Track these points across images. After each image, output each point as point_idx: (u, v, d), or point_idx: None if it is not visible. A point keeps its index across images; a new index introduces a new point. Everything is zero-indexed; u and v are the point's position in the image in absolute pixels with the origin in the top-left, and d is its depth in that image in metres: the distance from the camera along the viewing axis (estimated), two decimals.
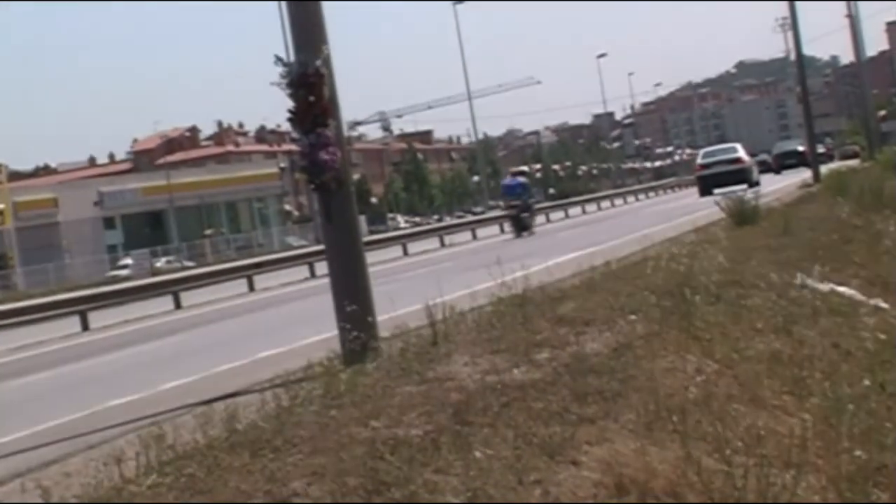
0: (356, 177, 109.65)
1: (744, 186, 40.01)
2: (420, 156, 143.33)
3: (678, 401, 7.19)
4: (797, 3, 48.72)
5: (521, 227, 41.68)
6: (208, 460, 6.57)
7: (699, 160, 51.90)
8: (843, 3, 64.02)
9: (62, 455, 9.13)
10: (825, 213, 20.96)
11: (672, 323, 9.40)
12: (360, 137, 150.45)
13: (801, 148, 63.35)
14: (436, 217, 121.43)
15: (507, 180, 45.18)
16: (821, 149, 70.13)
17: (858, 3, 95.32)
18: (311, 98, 10.76)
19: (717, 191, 40.72)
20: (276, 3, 52.87)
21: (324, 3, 11.31)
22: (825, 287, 12.19)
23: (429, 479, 5.85)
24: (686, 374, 7.98)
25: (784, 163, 68.73)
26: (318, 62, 10.83)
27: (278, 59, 10.86)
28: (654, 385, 7.38)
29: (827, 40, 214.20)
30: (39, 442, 10.47)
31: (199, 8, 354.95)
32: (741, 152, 50.12)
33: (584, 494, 5.92)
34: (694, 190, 52.51)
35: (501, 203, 54.24)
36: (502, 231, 49.58)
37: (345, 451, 6.32)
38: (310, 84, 10.75)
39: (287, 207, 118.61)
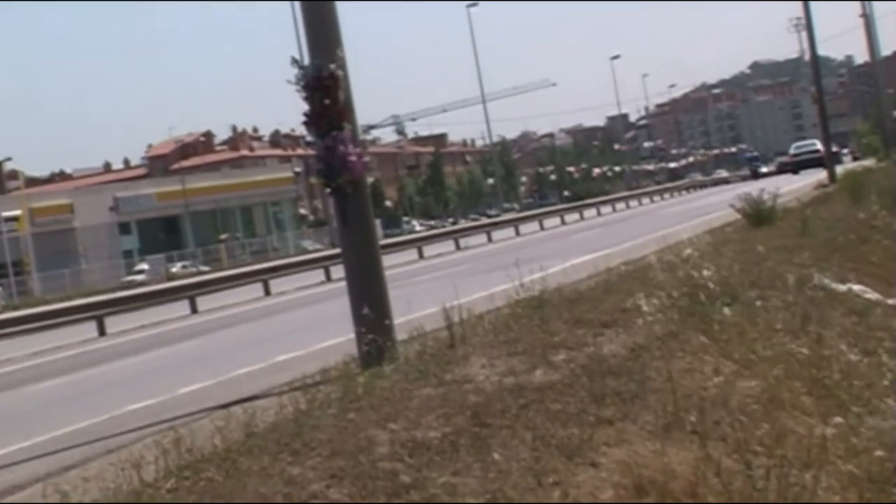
0: (372, 180, 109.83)
1: (821, 168, 53.33)
2: (436, 159, 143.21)
3: (696, 402, 7.17)
4: (811, 3, 48.65)
5: None
6: (227, 464, 6.58)
7: (792, 151, 77.38)
8: (858, 2, 63.85)
9: (81, 459, 9.15)
10: (841, 213, 20.91)
11: (689, 324, 9.38)
12: (374, 141, 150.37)
13: (819, 147, 66.87)
14: (451, 220, 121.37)
15: None
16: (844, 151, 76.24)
17: (873, 2, 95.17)
18: (327, 101, 10.77)
19: (802, 171, 64.07)
20: (290, 6, 52.97)
21: (338, 6, 11.32)
22: (842, 287, 12.16)
23: (448, 481, 5.84)
24: (704, 375, 7.96)
25: (801, 162, 69.61)
26: (333, 65, 10.84)
27: (294, 62, 10.87)
28: (673, 386, 7.36)
29: (841, 40, 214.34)
30: (59, 446, 10.50)
31: (213, 12, 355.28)
32: (819, 146, 65.27)
33: (604, 496, 5.91)
34: (709, 191, 65.32)
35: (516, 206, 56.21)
36: (517, 234, 49.64)
37: (364, 453, 6.32)
38: (325, 87, 10.76)
39: (302, 211, 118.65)
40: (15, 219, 78.77)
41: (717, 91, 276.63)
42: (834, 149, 63.60)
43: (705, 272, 11.73)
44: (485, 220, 69.66)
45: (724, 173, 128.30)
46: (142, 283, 63.47)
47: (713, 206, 35.82)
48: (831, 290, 11.84)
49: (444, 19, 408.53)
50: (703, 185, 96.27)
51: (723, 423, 6.85)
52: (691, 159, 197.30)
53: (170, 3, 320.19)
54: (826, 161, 46.80)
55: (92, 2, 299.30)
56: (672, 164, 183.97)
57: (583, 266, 16.48)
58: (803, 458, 6.29)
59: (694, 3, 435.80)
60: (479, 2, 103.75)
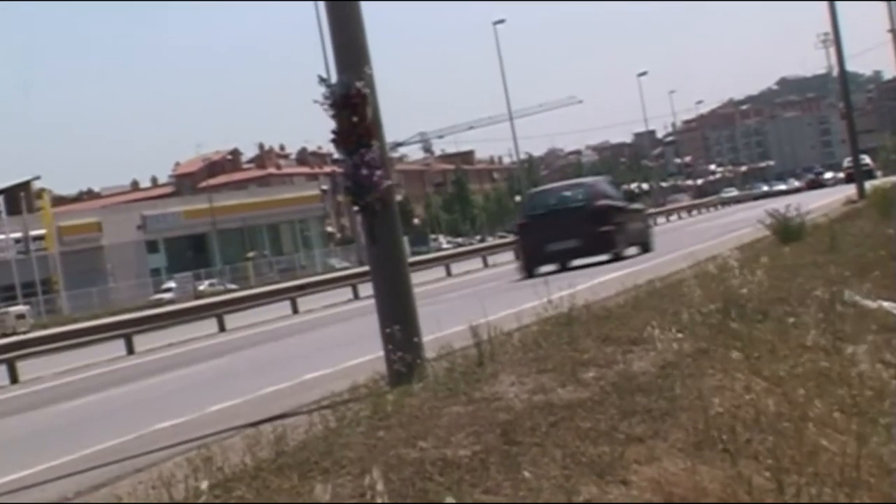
0: (401, 198, 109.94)
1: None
2: (462, 176, 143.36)
3: (727, 419, 7.14)
4: (840, 18, 48.57)
5: None
6: (257, 482, 6.57)
7: (845, 164, 74.31)
8: (886, 18, 63.70)
9: (111, 478, 9.15)
10: (871, 229, 20.81)
11: (719, 341, 9.34)
12: (401, 158, 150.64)
13: (868, 161, 72.55)
14: (478, 237, 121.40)
15: None
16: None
17: None
18: (355, 119, 10.77)
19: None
20: (316, 24, 53.15)
21: (365, 24, 11.33)
22: (873, 303, 12.08)
23: (478, 500, 5.83)
24: (735, 393, 7.92)
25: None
26: (361, 83, 10.85)
27: (321, 80, 10.88)
28: (703, 403, 7.33)
29: (869, 55, 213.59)
30: (88, 465, 10.51)
31: (240, 30, 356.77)
32: (868, 160, 65.03)
33: None
34: (737, 207, 60.05)
35: None
36: None
37: (393, 472, 6.30)
38: (353, 105, 10.77)
39: (329, 229, 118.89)
40: (42, 237, 79.08)
41: (744, 107, 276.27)
42: (868, 163, 64.31)
43: (735, 289, 11.69)
44: (512, 238, 69.73)
45: (733, 192, 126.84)
46: (169, 302, 63.70)
47: (743, 222, 35.72)
48: (862, 307, 11.77)
49: (470, 37, 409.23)
50: (732, 202, 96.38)
51: (754, 441, 6.81)
52: (718, 175, 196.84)
53: (198, 21, 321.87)
54: (857, 175, 46.65)
55: (117, 17, 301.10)
56: (700, 181, 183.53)
57: (612, 283, 16.45)
58: (836, 477, 6.25)
59: (721, 19, 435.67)
60: (506, 19, 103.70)
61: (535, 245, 30.13)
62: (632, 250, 31.05)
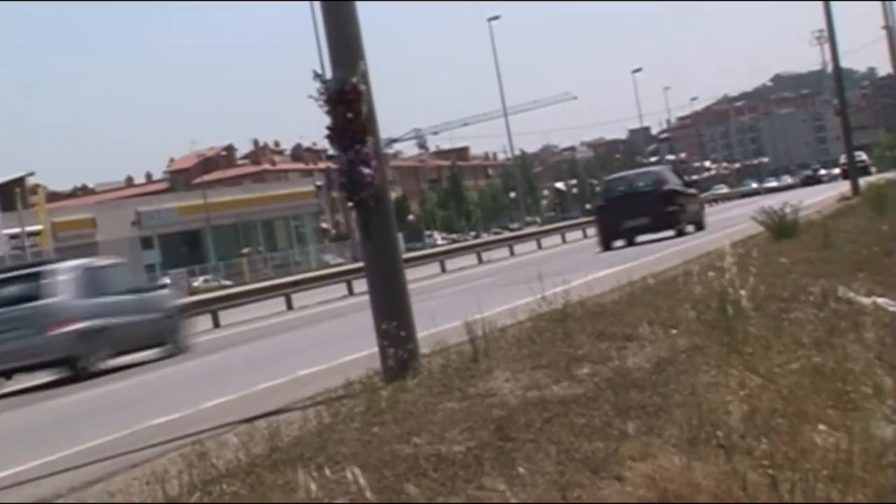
0: (397, 195, 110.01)
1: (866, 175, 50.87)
2: (457, 172, 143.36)
3: (721, 415, 7.15)
4: (834, 15, 48.57)
5: None
6: (251, 478, 6.58)
7: (841, 161, 70.96)
8: (881, 13, 63.69)
9: (105, 474, 9.15)
10: (864, 225, 20.83)
11: (713, 337, 9.35)
12: (396, 155, 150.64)
13: (864, 158, 72.94)
14: (473, 234, 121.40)
15: None
16: None
17: None
18: (349, 115, 10.76)
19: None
20: (311, 19, 53.17)
21: (360, 19, 11.33)
22: (867, 300, 12.10)
23: (472, 496, 5.83)
24: (729, 389, 7.93)
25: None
26: (356, 79, 10.84)
27: (316, 76, 10.87)
28: (697, 400, 7.34)
29: (864, 52, 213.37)
30: (83, 461, 10.50)
31: (235, 26, 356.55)
32: (864, 156, 65.80)
33: None
34: (734, 204, 61.18)
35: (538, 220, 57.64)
36: (539, 247, 49.70)
37: (388, 467, 6.31)
38: (348, 101, 10.76)
39: (324, 225, 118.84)
40: (37, 233, 78.94)
41: (739, 104, 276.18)
42: (864, 159, 64.80)
43: (729, 285, 11.69)
44: (507, 234, 69.71)
45: (723, 188, 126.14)
46: None
47: (736, 219, 35.76)
48: (856, 303, 11.79)
49: (465, 34, 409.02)
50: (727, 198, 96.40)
51: (748, 437, 6.82)
52: (713, 171, 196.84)
53: (192, 17, 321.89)
54: (852, 173, 46.75)
55: (113, 16, 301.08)
56: (694, 177, 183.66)
57: (606, 279, 16.46)
58: (830, 473, 6.26)
59: (716, 16, 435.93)
60: (501, 15, 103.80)
61: (611, 223, 35.96)
62: (689, 228, 36.41)
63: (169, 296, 26.64)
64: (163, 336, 23.80)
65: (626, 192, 37.47)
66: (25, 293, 21.76)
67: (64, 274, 22.36)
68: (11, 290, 21.97)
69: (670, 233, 35.23)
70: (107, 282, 23.38)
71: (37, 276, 22.32)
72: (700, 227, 37.55)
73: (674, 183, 38.42)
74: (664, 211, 35.23)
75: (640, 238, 35.59)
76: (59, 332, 21.22)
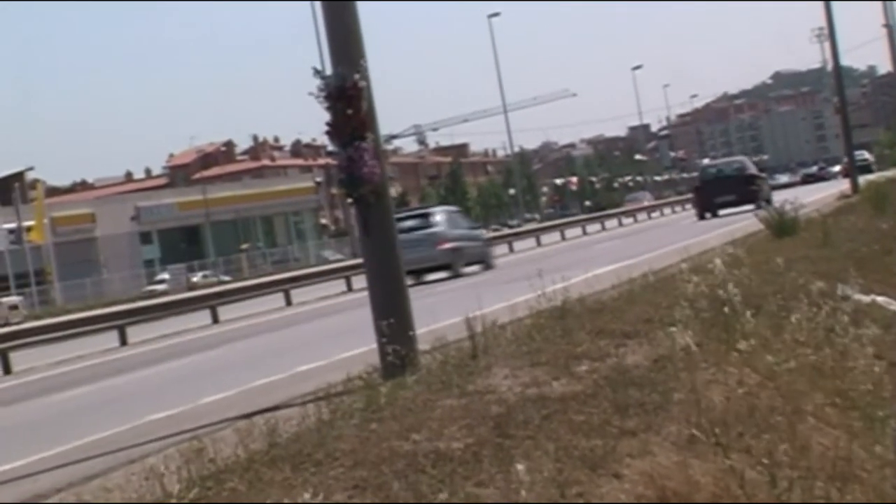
0: (398, 191, 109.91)
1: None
2: (457, 168, 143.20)
3: (720, 413, 7.14)
4: (834, 12, 48.54)
5: None
6: (250, 474, 6.57)
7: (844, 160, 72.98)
8: (881, 12, 63.63)
9: (103, 469, 9.15)
10: (864, 224, 20.82)
11: (713, 335, 9.35)
12: (395, 151, 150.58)
13: (867, 157, 76.75)
14: None
15: None
16: None
17: None
18: (349, 111, 10.75)
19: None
20: (311, 15, 53.17)
21: (360, 15, 11.31)
22: (866, 298, 12.10)
23: (470, 492, 5.83)
24: (728, 387, 7.93)
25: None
26: (356, 75, 10.83)
27: (316, 72, 10.86)
28: (696, 397, 7.33)
29: (864, 50, 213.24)
30: (80, 456, 10.50)
31: (234, 21, 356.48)
32: (867, 155, 69.81)
33: None
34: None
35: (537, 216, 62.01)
36: (539, 244, 49.72)
37: (386, 464, 6.30)
38: (348, 97, 10.75)
39: (323, 221, 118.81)
40: (28, 229, 78.92)
41: (738, 101, 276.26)
42: (867, 158, 65.01)
43: (729, 283, 11.69)
44: (506, 231, 69.67)
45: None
46: (163, 293, 63.62)
47: (737, 217, 35.76)
48: (855, 302, 11.78)
49: (465, 30, 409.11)
50: None
51: (747, 435, 6.81)
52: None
53: (191, 11, 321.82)
54: (852, 171, 46.93)
55: (112, 10, 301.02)
56: (694, 174, 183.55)
57: (605, 276, 16.44)
58: (828, 471, 6.26)
59: (716, 13, 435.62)
60: (501, 12, 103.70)
61: (707, 198, 47.22)
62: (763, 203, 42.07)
63: (483, 233, 44.18)
64: (482, 257, 37.29)
65: (716, 176, 49.28)
66: (422, 224, 34.62)
67: (440, 214, 36.76)
68: (413, 223, 34.01)
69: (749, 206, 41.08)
70: (458, 221, 37.69)
71: (426, 215, 36.18)
72: (770, 202, 41.77)
73: (753, 169, 50.49)
74: (747, 189, 45.07)
75: (722, 212, 45.04)
76: (442, 248, 34.33)
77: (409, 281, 19.48)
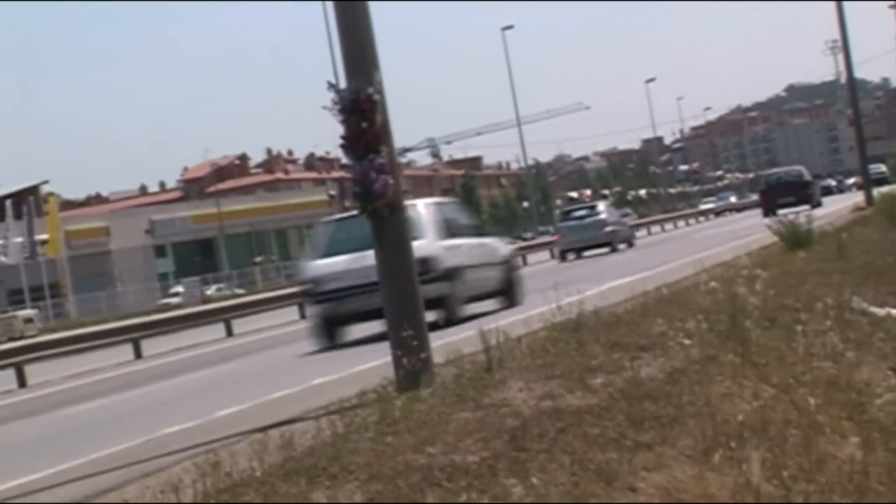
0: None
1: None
2: (471, 181, 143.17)
3: (735, 426, 7.14)
4: (848, 25, 48.50)
5: None
6: (265, 488, 6.57)
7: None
8: (894, 25, 63.51)
9: (119, 483, 9.15)
10: (878, 236, 20.80)
11: (727, 348, 9.34)
12: (409, 164, 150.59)
13: (883, 169, 77.53)
14: None
15: None
16: None
17: None
18: (364, 124, 10.76)
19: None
20: (326, 28, 53.21)
21: (375, 28, 11.32)
22: (881, 311, 12.08)
23: None
24: (743, 400, 7.92)
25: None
26: (371, 88, 10.84)
27: (330, 86, 10.87)
28: (711, 410, 7.33)
29: (877, 62, 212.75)
30: (96, 469, 10.51)
31: (249, 35, 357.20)
32: (883, 168, 72.03)
33: None
34: (745, 214, 72.87)
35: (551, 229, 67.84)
36: (552, 256, 49.79)
37: (402, 477, 6.31)
38: (362, 110, 10.76)
39: None
40: (43, 242, 79.04)
41: (752, 114, 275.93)
42: (884, 171, 65.37)
43: (743, 296, 11.68)
44: (520, 243, 69.61)
45: (711, 203, 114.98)
46: (177, 306, 63.64)
47: (751, 229, 35.70)
48: (870, 314, 11.77)
49: (479, 43, 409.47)
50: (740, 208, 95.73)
51: (762, 448, 6.80)
52: (727, 181, 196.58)
53: (207, 25, 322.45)
54: (866, 184, 46.85)
55: (129, 23, 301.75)
56: (707, 187, 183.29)
57: (620, 289, 16.44)
58: (844, 485, 6.25)
59: (730, 26, 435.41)
60: (514, 25, 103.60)
61: (771, 200, 54.69)
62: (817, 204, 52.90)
63: (628, 220, 60.02)
64: (629, 238, 50.97)
65: (778, 182, 59.78)
66: (590, 213, 48.36)
67: (603, 206, 51.31)
68: (584, 212, 49.21)
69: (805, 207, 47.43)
70: (613, 212, 53.02)
71: (593, 206, 51.44)
72: (819, 204, 54.69)
73: (808, 176, 61.29)
74: (804, 192, 55.64)
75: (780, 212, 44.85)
76: (606, 230, 46.81)
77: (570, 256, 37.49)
